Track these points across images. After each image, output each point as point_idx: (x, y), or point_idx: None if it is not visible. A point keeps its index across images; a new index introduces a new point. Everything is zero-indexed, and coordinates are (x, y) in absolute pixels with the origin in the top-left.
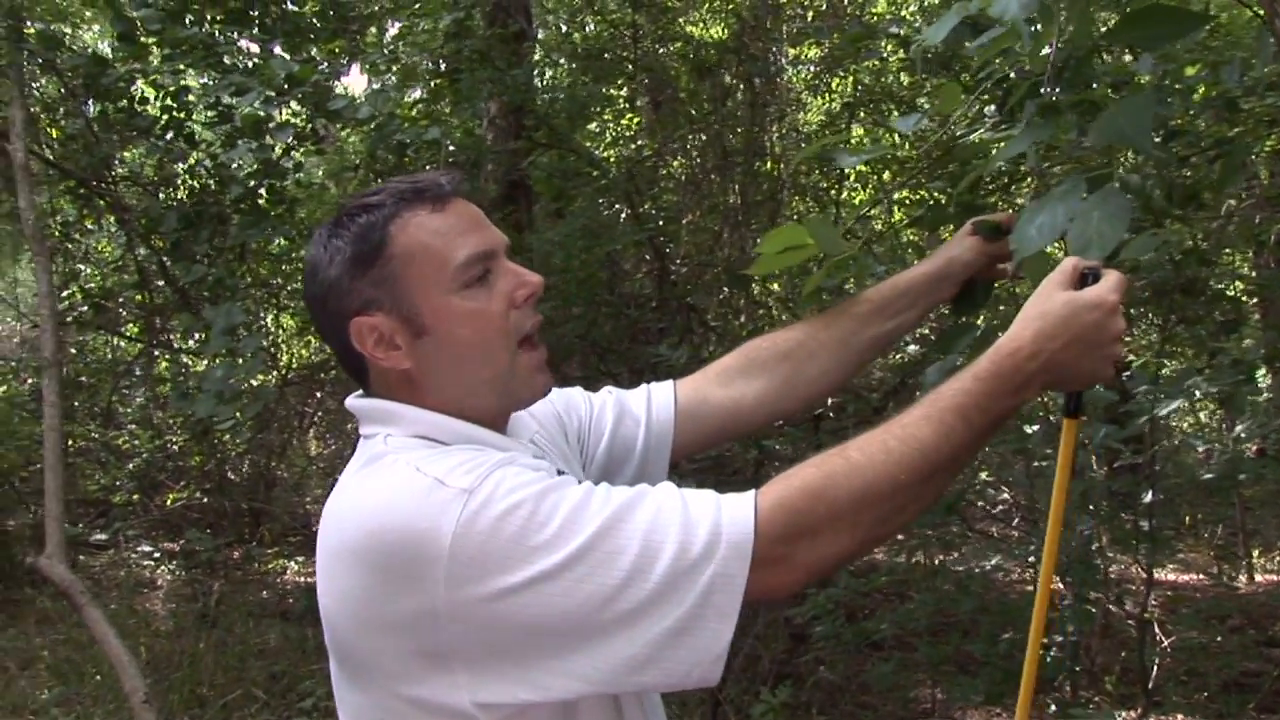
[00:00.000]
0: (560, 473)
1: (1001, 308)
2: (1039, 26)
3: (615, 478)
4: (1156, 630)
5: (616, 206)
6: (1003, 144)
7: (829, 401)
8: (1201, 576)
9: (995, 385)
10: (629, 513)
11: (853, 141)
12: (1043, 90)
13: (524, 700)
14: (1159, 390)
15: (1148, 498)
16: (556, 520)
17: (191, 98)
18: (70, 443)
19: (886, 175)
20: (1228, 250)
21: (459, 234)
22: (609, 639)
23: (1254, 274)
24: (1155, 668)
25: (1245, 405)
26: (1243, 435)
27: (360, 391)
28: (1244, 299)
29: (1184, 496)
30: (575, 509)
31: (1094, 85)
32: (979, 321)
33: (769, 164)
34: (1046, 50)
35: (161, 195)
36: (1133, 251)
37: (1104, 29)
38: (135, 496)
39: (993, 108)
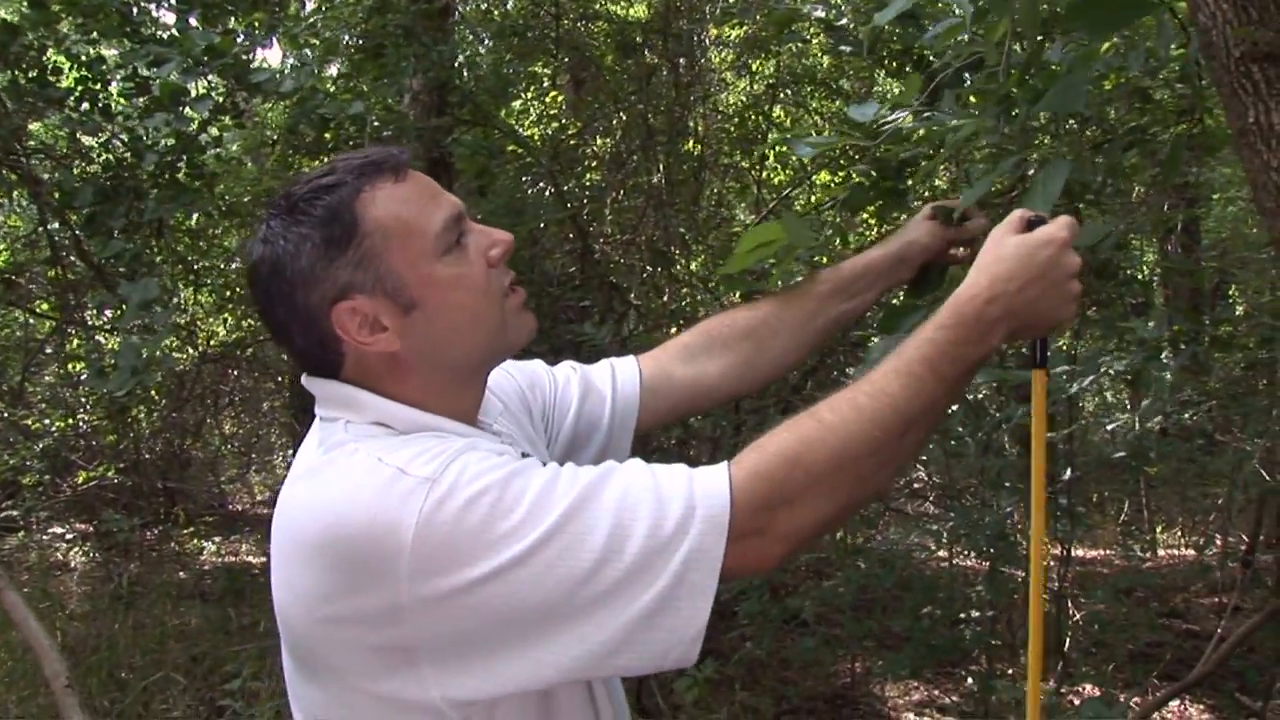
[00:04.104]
0: (525, 455)
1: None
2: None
3: (580, 454)
4: (1070, 605)
5: (540, 185)
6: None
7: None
8: (1109, 552)
9: (959, 333)
10: (597, 491)
11: (781, 125)
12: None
13: (496, 693)
14: (1075, 369)
15: (1066, 475)
16: (523, 505)
17: (107, 67)
18: None
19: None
20: (1135, 236)
21: (428, 201)
22: (584, 624)
23: (1161, 259)
24: (1068, 641)
25: (1151, 383)
26: (1148, 414)
27: None
28: (1152, 283)
29: (1092, 475)
30: (542, 491)
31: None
32: (922, 303)
33: (692, 144)
34: (1001, 40)
35: (75, 169)
36: (1082, 240)
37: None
38: (45, 477)
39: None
